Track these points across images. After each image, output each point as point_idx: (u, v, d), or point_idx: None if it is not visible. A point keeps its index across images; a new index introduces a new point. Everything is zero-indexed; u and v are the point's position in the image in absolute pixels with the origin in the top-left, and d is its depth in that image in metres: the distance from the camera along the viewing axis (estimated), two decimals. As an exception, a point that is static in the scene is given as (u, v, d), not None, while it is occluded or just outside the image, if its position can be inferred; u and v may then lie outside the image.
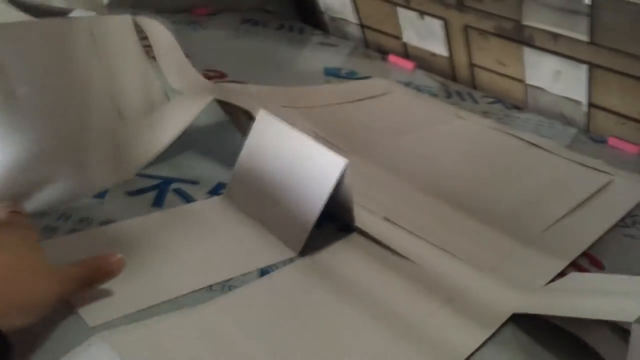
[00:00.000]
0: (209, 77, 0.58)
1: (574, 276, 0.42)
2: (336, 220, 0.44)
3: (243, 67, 0.68)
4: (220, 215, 0.44)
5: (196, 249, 0.40)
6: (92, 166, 0.43)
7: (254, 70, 0.63)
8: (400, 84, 0.74)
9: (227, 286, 0.37)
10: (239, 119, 0.52)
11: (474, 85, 0.78)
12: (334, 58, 0.81)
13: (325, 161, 0.40)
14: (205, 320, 0.34)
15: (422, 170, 0.55)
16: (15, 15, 0.61)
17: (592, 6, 0.59)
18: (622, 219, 0.52)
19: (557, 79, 0.69)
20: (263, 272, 0.39)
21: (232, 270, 0.38)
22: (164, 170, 0.48)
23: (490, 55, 0.74)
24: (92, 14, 0.56)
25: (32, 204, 0.40)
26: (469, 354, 0.35)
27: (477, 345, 0.36)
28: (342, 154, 0.40)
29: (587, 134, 0.69)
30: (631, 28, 0.58)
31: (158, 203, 0.44)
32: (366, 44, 0.88)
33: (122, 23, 0.48)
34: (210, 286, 0.37)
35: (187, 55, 0.54)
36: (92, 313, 0.33)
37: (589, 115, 0.69)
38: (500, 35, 0.71)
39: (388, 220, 0.45)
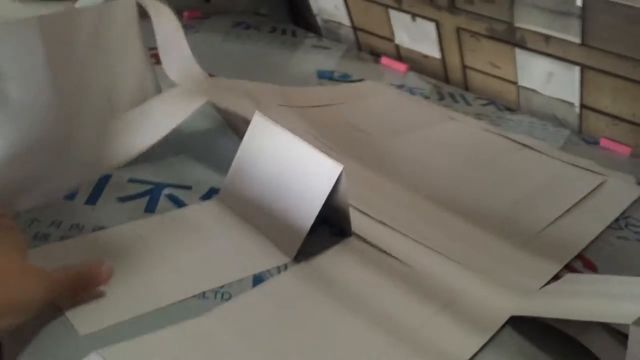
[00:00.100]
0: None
1: (571, 278, 0.42)
2: (331, 225, 0.44)
3: (235, 71, 0.68)
4: (213, 220, 0.43)
5: (189, 254, 0.39)
6: (76, 160, 0.42)
7: (247, 73, 0.62)
8: (393, 86, 0.74)
9: (220, 293, 0.37)
10: (235, 121, 0.52)
11: (466, 87, 0.78)
12: (327, 61, 0.81)
13: (320, 167, 0.40)
14: (203, 332, 0.34)
15: (414, 172, 0.54)
16: (22, 11, 0.60)
17: (584, 8, 0.59)
18: (616, 221, 0.52)
19: (549, 80, 0.69)
20: (257, 278, 0.39)
21: (225, 277, 0.38)
22: (156, 175, 0.47)
23: (482, 57, 0.74)
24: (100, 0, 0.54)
25: (19, 205, 0.39)
26: (467, 358, 0.35)
27: (476, 350, 0.35)
28: (337, 156, 0.40)
29: (580, 135, 0.69)
30: (623, 30, 0.59)
31: (150, 209, 0.44)
32: (359, 46, 0.88)
33: (126, 9, 0.47)
34: (204, 293, 0.37)
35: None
36: (81, 319, 0.33)
37: (581, 116, 0.69)
38: (492, 37, 0.71)
39: (383, 223, 0.45)
